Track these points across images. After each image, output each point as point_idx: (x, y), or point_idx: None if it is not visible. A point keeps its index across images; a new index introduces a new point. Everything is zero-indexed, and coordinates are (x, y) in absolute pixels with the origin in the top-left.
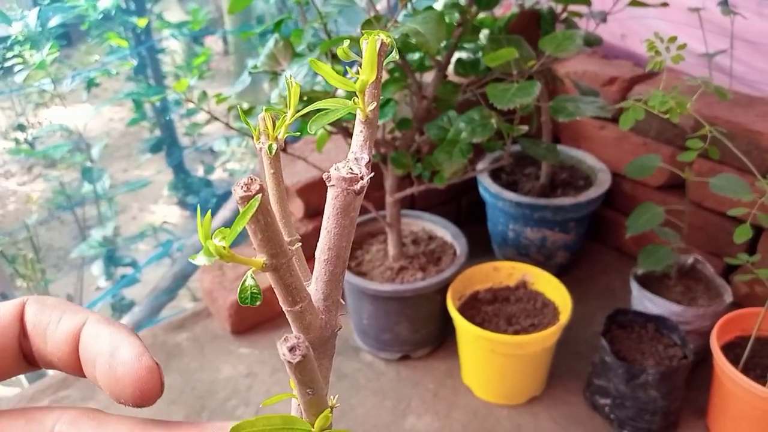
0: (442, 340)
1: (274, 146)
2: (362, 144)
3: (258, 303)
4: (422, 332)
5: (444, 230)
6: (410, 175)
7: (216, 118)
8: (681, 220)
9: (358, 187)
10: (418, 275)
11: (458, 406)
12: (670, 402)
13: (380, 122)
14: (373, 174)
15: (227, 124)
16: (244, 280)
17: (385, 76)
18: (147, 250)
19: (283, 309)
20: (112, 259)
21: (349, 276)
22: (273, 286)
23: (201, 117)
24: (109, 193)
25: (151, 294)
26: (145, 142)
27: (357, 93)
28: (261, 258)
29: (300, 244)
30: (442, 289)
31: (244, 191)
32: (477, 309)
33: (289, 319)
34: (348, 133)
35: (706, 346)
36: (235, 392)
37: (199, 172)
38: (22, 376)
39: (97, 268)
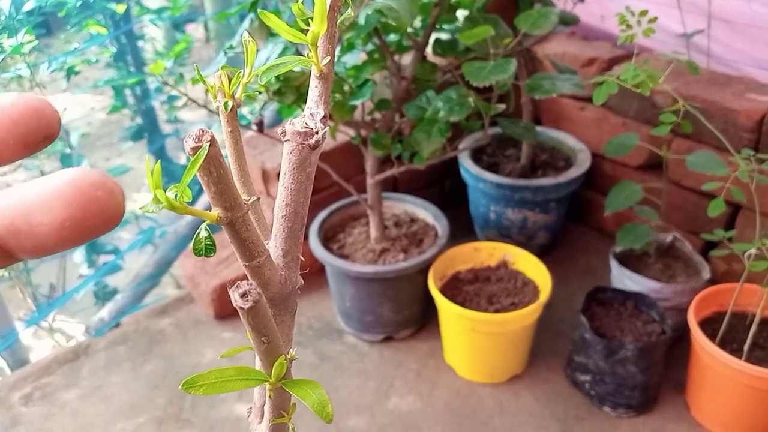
0: (425, 321)
1: (230, 103)
2: (317, 99)
3: (212, 255)
4: (405, 313)
5: (425, 212)
6: (391, 156)
7: (192, 100)
8: (659, 198)
9: (313, 141)
10: (400, 257)
11: (441, 386)
12: (648, 377)
13: (358, 102)
14: (327, 129)
15: (205, 107)
16: (198, 232)
17: (363, 57)
18: (129, 237)
19: (241, 264)
20: (93, 247)
21: (331, 258)
22: (230, 241)
23: (180, 102)
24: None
25: (134, 281)
26: (126, 130)
27: (309, 46)
28: (215, 211)
29: (257, 198)
30: (424, 269)
31: (195, 142)
32: (458, 289)
33: (248, 275)
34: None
35: (685, 323)
36: None
37: (182, 159)
38: (4, 365)
39: (78, 255)
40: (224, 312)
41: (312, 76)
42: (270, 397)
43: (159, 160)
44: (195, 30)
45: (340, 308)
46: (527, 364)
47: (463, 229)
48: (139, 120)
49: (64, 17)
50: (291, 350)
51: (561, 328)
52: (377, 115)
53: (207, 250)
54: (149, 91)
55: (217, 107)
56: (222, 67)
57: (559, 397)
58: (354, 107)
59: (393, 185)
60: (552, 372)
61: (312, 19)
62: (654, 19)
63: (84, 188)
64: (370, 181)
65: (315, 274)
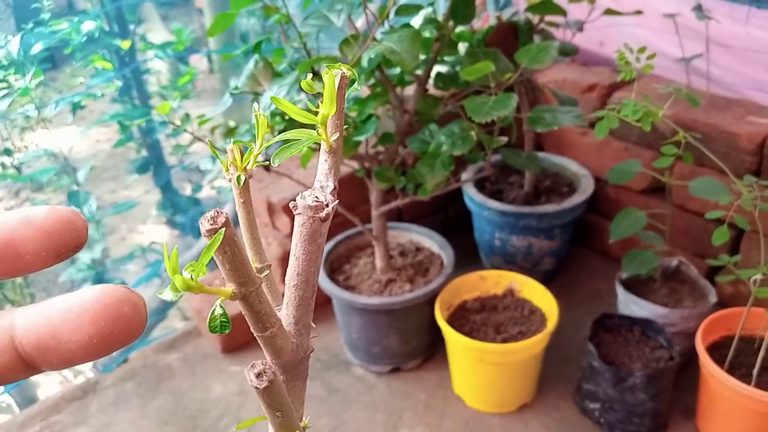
0: (432, 351)
1: (243, 177)
2: (327, 172)
3: (227, 331)
4: (412, 344)
5: (431, 241)
6: (395, 188)
7: (199, 139)
8: (663, 223)
9: (323, 214)
10: (406, 287)
11: (450, 416)
12: (658, 404)
13: (362, 138)
14: (338, 201)
15: (211, 145)
16: (213, 310)
17: (366, 91)
18: (136, 270)
19: (255, 335)
20: (101, 282)
21: (337, 290)
22: (243, 314)
23: (186, 138)
24: (97, 216)
25: None
26: (131, 163)
27: (319, 125)
28: (230, 287)
29: (269, 271)
30: (431, 300)
31: (211, 224)
32: (465, 319)
33: (261, 344)
34: None
35: (693, 347)
36: (227, 410)
37: (187, 190)
38: (12, 402)
39: None
40: (232, 345)
41: (321, 151)
42: None
43: (176, 247)
44: (199, 62)
45: (347, 340)
46: (536, 392)
47: (468, 256)
48: (144, 153)
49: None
50: (305, 419)
51: (569, 353)
52: (381, 148)
53: (222, 327)
54: (155, 125)
55: (229, 179)
56: (234, 142)
57: (569, 425)
58: (358, 143)
59: (397, 213)
60: (561, 399)
61: (321, 95)
62: (652, 56)
63: (111, 306)
64: (374, 213)
65: (322, 305)
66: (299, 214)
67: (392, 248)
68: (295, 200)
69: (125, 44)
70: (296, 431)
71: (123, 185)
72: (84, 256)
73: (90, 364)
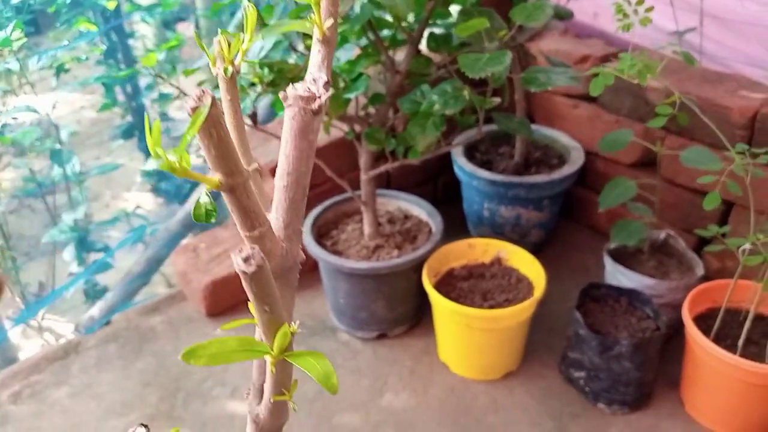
0: (419, 318)
1: (230, 69)
2: (319, 64)
3: (212, 220)
4: (399, 310)
5: (419, 209)
6: (385, 153)
7: (184, 93)
8: (653, 194)
9: (315, 105)
10: (393, 253)
11: (435, 383)
12: (643, 373)
13: (352, 95)
14: (331, 92)
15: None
16: (199, 198)
17: (357, 51)
18: (120, 237)
19: (242, 235)
20: (83, 244)
21: (324, 254)
22: (230, 210)
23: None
24: (80, 177)
25: (125, 279)
26: (116, 128)
27: (313, 7)
28: (216, 176)
29: (257, 165)
30: (418, 266)
31: (195, 102)
32: (452, 285)
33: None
34: None
35: (679, 319)
36: (211, 373)
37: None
38: None
39: (68, 253)
40: (216, 309)
41: (314, 40)
42: (272, 371)
43: (158, 120)
44: (186, 29)
45: (334, 305)
46: (521, 360)
47: (456, 227)
48: (129, 118)
49: (53, 15)
50: (293, 324)
51: (555, 324)
52: (371, 110)
53: (208, 215)
54: (140, 89)
55: (216, 74)
56: (221, 32)
57: (554, 393)
58: (348, 100)
59: (386, 182)
60: (546, 369)
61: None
62: (651, 9)
63: None
64: (363, 177)
65: (308, 271)
66: (290, 105)
67: (380, 216)
68: (285, 91)
69: (111, 5)
70: (285, 327)
71: (107, 151)
72: (66, 218)
73: (71, 327)
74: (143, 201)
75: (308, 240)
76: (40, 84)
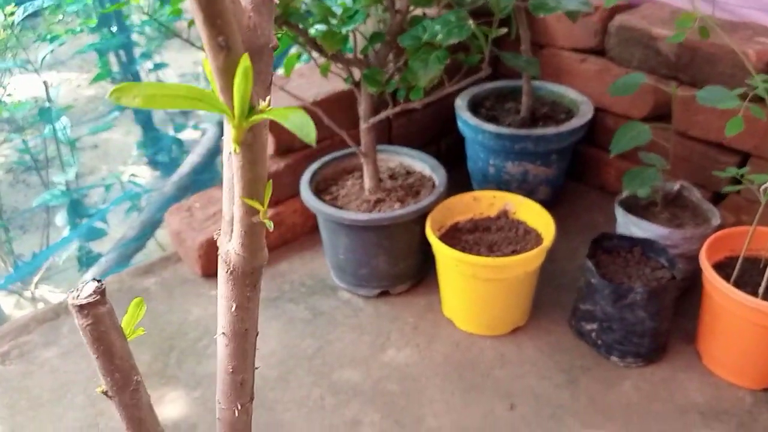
0: (422, 275)
1: None
2: None
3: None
4: (401, 266)
5: (422, 164)
6: (384, 94)
7: (173, 32)
8: (667, 141)
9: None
10: (395, 206)
11: (439, 338)
12: (658, 323)
13: (350, 28)
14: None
15: (187, 40)
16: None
17: None
18: (115, 209)
19: None
20: (76, 210)
21: (323, 207)
22: None
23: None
24: (72, 140)
25: (118, 243)
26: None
27: None
28: None
29: None
30: (421, 218)
31: None
32: (457, 239)
33: None
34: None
35: (694, 272)
36: (206, 332)
37: (170, 131)
38: None
39: (61, 218)
40: (212, 269)
41: None
42: (236, 151)
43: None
44: None
45: (334, 262)
46: (530, 316)
47: (461, 189)
48: None
49: None
50: (265, 100)
51: (563, 281)
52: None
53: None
54: (134, 58)
55: None
56: None
57: (564, 348)
58: (345, 36)
59: (387, 140)
60: (555, 324)
61: None
62: None
63: None
64: (363, 126)
65: (307, 233)
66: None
67: (382, 172)
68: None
69: None
70: (246, 69)
71: (103, 128)
72: (57, 178)
73: (65, 296)
74: (140, 174)
75: (306, 194)
76: (36, 64)
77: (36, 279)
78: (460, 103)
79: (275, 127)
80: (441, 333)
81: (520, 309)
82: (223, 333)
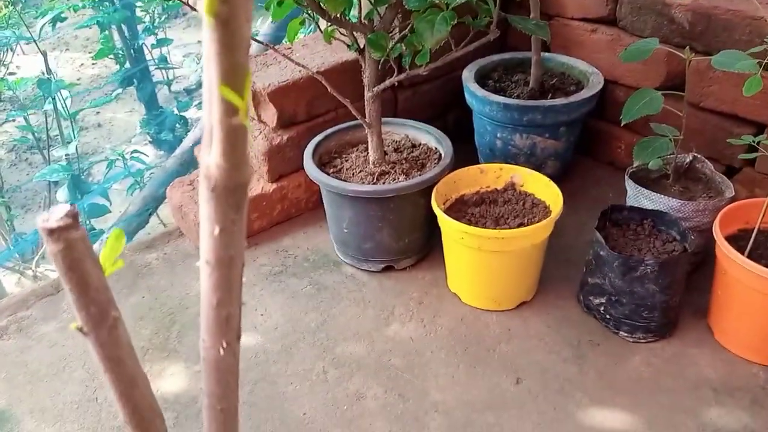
0: (427, 251)
1: None
2: None
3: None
4: (405, 240)
5: (428, 136)
6: (390, 60)
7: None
8: (680, 111)
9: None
10: (400, 179)
11: (444, 313)
12: (669, 297)
13: None
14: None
15: (192, 8)
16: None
17: None
18: (119, 188)
19: None
20: (77, 185)
21: (326, 179)
22: None
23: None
24: (72, 110)
25: (120, 218)
26: (114, 75)
27: None
28: None
29: None
30: (426, 191)
31: None
32: (463, 212)
33: None
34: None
35: (707, 246)
36: None
37: (174, 110)
38: None
39: (62, 194)
40: None
41: None
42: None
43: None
44: None
45: (337, 236)
46: (536, 291)
47: (467, 164)
48: (127, 65)
49: None
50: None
51: (571, 256)
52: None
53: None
54: (137, 33)
55: None
56: None
57: (572, 322)
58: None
59: (393, 116)
60: (563, 299)
61: None
62: None
63: None
64: (368, 95)
65: (311, 209)
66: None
67: (386, 145)
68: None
69: None
70: None
71: (106, 105)
72: (57, 153)
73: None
74: (143, 153)
75: (309, 165)
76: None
77: (37, 257)
78: (467, 75)
79: (278, 99)
80: (446, 307)
81: (526, 283)
82: (206, 261)
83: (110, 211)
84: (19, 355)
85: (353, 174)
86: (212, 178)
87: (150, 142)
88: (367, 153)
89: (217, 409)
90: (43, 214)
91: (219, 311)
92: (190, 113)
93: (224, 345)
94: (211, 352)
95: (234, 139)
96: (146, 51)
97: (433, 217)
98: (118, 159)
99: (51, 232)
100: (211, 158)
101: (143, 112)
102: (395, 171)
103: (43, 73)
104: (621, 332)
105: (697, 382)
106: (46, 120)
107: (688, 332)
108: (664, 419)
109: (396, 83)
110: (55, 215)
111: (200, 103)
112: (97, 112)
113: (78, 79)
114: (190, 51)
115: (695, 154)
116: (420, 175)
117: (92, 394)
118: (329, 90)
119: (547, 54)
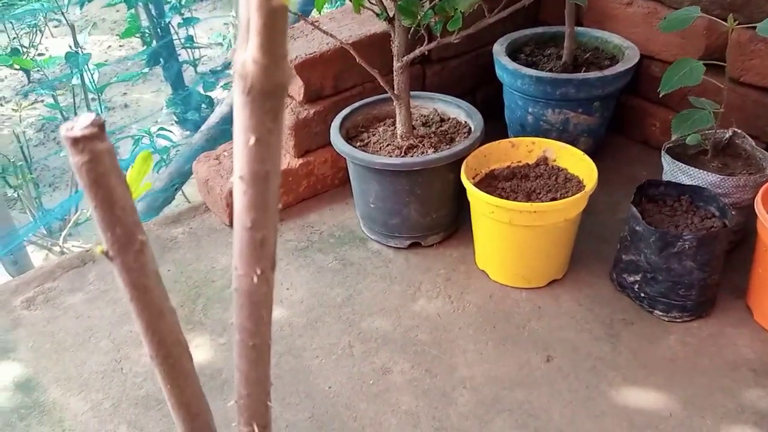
0: (455, 228)
1: None
2: None
3: None
4: (433, 216)
5: (457, 110)
6: (420, 28)
7: None
8: (721, 84)
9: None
10: (429, 152)
11: (472, 290)
12: (707, 274)
13: None
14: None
15: None
16: None
17: None
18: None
19: None
20: None
21: (353, 151)
22: None
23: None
24: (99, 85)
25: (146, 194)
26: (140, 54)
27: None
28: None
29: None
30: (455, 164)
31: None
32: (493, 186)
33: None
34: None
35: (746, 224)
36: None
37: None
38: (3, 268)
39: None
40: None
41: None
42: None
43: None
44: None
45: (364, 212)
46: (568, 269)
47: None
48: (154, 44)
49: None
50: None
51: (604, 234)
52: None
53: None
54: (164, 11)
55: None
56: None
57: (605, 301)
58: None
59: (421, 88)
60: (595, 277)
61: None
62: None
63: None
64: (397, 65)
65: (338, 186)
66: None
67: (414, 119)
68: None
69: None
70: None
71: (133, 86)
72: None
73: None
74: (172, 138)
75: (336, 138)
76: (65, 28)
77: (64, 233)
78: (498, 49)
79: (305, 71)
80: (474, 284)
81: (558, 260)
82: (240, 177)
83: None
84: (45, 326)
85: (380, 148)
86: (248, 77)
87: (176, 122)
88: (395, 127)
89: (248, 345)
90: (66, 123)
91: (253, 234)
92: (216, 93)
93: (258, 272)
94: (243, 281)
95: (273, 27)
96: (173, 30)
97: (462, 193)
98: (144, 136)
99: (75, 141)
100: (247, 53)
101: (169, 92)
102: (423, 145)
103: (71, 47)
104: (656, 311)
105: (735, 362)
106: (74, 96)
107: (726, 312)
108: (700, 400)
109: (426, 52)
110: (80, 124)
111: (226, 84)
112: (124, 93)
113: (105, 61)
114: (217, 33)
115: (735, 129)
116: (449, 149)
117: (117, 365)
118: (358, 60)
119: (580, 28)
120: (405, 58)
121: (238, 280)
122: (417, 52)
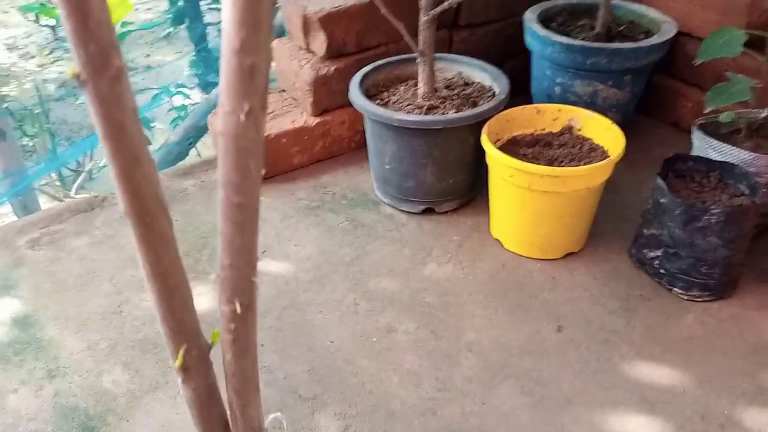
0: (471, 197)
1: None
2: None
3: None
4: (449, 181)
5: (482, 73)
6: None
7: None
8: (762, 53)
9: None
10: (450, 113)
11: (485, 257)
12: (733, 252)
13: None
14: None
15: None
16: None
17: None
18: (161, 128)
19: None
20: None
21: (371, 107)
22: None
23: None
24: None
25: (161, 146)
26: (165, 13)
27: None
28: None
29: None
30: (476, 127)
31: None
32: (514, 152)
33: None
34: None
35: None
36: None
37: None
38: (11, 208)
39: None
40: None
41: None
42: None
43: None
44: None
45: (378, 173)
46: (585, 243)
47: None
48: (180, 3)
49: None
50: None
51: (626, 212)
52: None
53: None
54: None
55: None
56: None
57: (621, 276)
58: None
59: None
60: (614, 253)
61: None
62: None
63: None
64: (423, 19)
65: (354, 149)
66: None
67: (437, 82)
68: None
69: None
70: None
71: (156, 49)
72: None
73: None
74: (191, 96)
75: (355, 94)
76: None
77: (77, 184)
78: (530, 16)
79: (329, 25)
80: (487, 252)
81: (576, 232)
82: None
83: (150, 143)
84: (48, 266)
85: (400, 107)
86: None
87: (197, 84)
88: (417, 87)
89: (233, 203)
90: None
91: (242, 59)
92: None
93: (245, 109)
94: (229, 119)
95: None
96: None
97: (480, 160)
98: (162, 94)
99: None
100: None
101: (192, 54)
102: (445, 106)
103: None
104: (675, 289)
105: (757, 344)
106: None
107: (749, 295)
108: (717, 380)
109: (454, 14)
110: None
111: None
112: (147, 55)
113: (131, 22)
114: None
115: None
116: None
117: (117, 308)
118: (382, 12)
119: (617, 1)
120: (432, 11)
121: (223, 119)
122: (445, 4)
